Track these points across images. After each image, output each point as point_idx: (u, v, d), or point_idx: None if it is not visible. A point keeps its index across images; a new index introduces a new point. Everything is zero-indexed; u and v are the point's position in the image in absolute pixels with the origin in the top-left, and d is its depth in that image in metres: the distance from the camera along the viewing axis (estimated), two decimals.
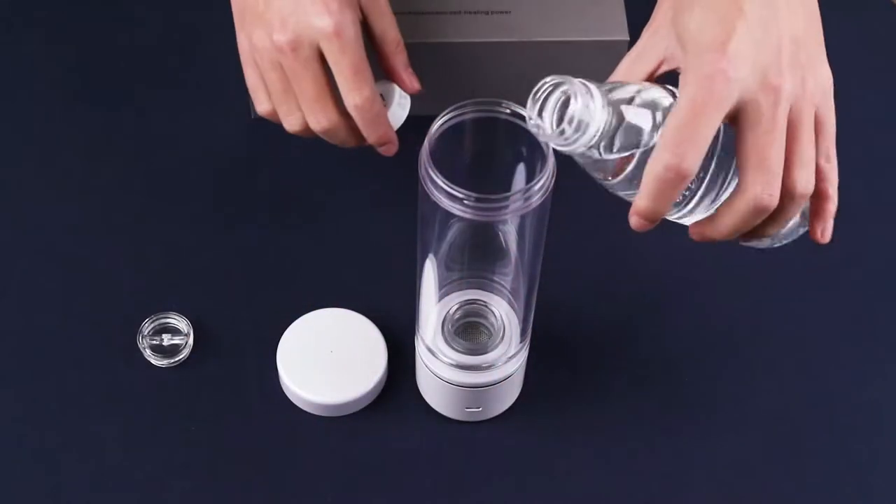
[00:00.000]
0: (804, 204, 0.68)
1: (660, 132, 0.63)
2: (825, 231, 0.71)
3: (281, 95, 0.78)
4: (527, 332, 0.78)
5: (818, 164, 0.67)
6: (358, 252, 0.89)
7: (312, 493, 0.79)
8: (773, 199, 0.65)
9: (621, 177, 0.65)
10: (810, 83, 0.66)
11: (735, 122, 0.64)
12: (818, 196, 0.69)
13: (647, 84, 0.66)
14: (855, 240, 0.90)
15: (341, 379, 0.81)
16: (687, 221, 0.69)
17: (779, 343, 0.86)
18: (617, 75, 0.69)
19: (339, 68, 0.76)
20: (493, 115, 0.67)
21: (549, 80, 0.64)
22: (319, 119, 0.78)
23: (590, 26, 0.88)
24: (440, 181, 0.65)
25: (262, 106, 0.80)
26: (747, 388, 0.84)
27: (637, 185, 0.64)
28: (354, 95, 0.77)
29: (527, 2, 0.89)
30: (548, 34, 0.88)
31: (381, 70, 0.81)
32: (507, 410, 0.82)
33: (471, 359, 0.77)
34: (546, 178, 0.66)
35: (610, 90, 0.63)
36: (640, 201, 0.64)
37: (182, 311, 0.85)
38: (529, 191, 0.65)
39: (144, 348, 0.83)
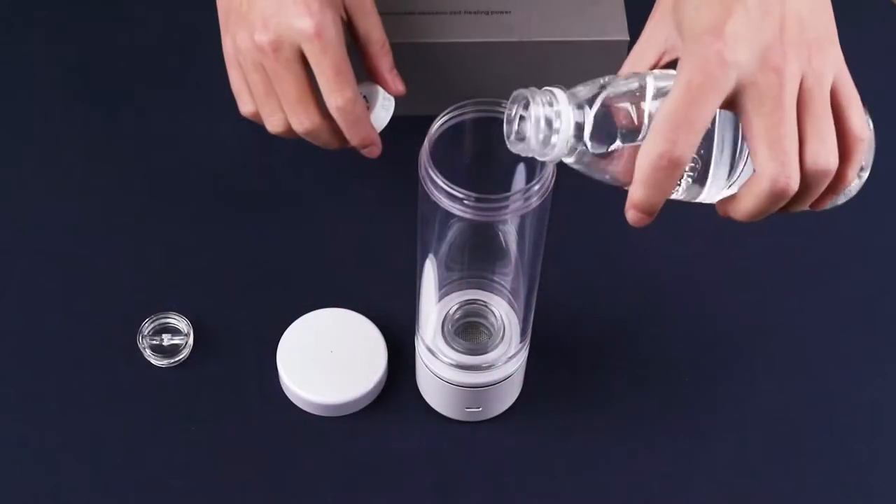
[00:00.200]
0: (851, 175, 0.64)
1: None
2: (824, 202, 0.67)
3: (263, 96, 0.78)
4: (527, 332, 0.78)
5: (848, 138, 0.64)
6: (358, 252, 0.89)
7: (312, 493, 0.79)
8: (790, 179, 0.61)
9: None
10: (818, 60, 0.63)
11: (738, 108, 0.62)
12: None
13: (649, 72, 0.65)
14: (855, 239, 0.90)
15: (341, 379, 0.81)
16: (707, 200, 0.67)
17: (779, 343, 0.86)
18: (623, 70, 0.69)
19: (321, 69, 0.76)
20: (493, 115, 0.67)
21: (512, 102, 0.64)
22: (301, 120, 0.78)
23: (590, 26, 0.88)
24: (440, 181, 0.65)
25: (245, 107, 0.81)
26: (747, 388, 0.84)
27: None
28: (336, 97, 0.77)
29: (527, 2, 0.89)
30: (548, 34, 0.88)
31: (364, 71, 0.81)
32: (507, 410, 0.82)
33: (471, 359, 0.77)
34: (546, 178, 0.66)
35: (603, 86, 0.63)
36: (635, 192, 0.62)
37: (182, 311, 0.85)
38: (529, 191, 0.65)
39: (144, 348, 0.83)
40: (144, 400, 0.82)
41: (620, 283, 0.88)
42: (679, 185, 0.65)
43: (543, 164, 0.66)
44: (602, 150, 0.63)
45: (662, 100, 0.62)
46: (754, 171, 0.62)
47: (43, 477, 0.79)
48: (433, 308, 0.78)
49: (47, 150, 0.93)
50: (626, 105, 0.63)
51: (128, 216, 0.90)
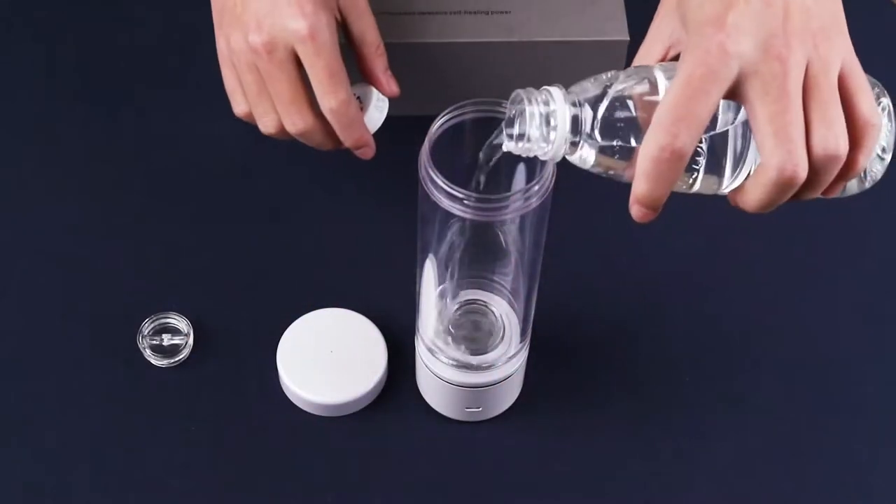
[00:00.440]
0: (862, 160, 0.63)
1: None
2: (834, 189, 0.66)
3: (257, 97, 0.78)
4: (527, 332, 0.78)
5: (857, 124, 0.63)
6: (358, 252, 0.89)
7: (312, 493, 0.79)
8: (798, 167, 0.60)
9: None
10: (824, 47, 0.62)
11: (743, 98, 0.61)
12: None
13: (656, 65, 0.65)
14: (855, 239, 0.90)
15: (341, 379, 0.81)
16: (715, 192, 0.66)
17: (779, 343, 0.86)
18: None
19: (314, 71, 0.76)
20: (493, 115, 0.67)
21: (511, 103, 0.64)
22: (295, 121, 0.78)
23: (590, 26, 0.88)
24: (440, 181, 0.65)
25: (238, 107, 0.81)
26: (747, 388, 0.84)
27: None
28: (329, 99, 0.77)
29: (527, 2, 0.89)
30: (548, 34, 0.88)
31: (359, 72, 0.81)
32: (507, 410, 0.82)
33: (471, 359, 0.77)
34: (546, 178, 0.66)
35: (608, 81, 0.63)
36: (637, 186, 0.61)
37: (182, 311, 0.85)
38: (529, 191, 0.65)
39: (144, 348, 0.83)
40: (144, 400, 0.82)
41: (620, 283, 0.88)
42: (684, 177, 0.65)
43: (543, 164, 0.66)
44: (612, 145, 0.63)
45: None
46: (761, 160, 0.62)
47: (43, 477, 0.79)
48: (433, 308, 0.78)
49: (47, 150, 0.93)
50: (636, 99, 0.63)
51: (128, 216, 0.90)
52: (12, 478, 0.79)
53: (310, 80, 0.77)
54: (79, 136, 0.94)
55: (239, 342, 0.85)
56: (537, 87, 0.64)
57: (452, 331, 0.79)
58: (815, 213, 0.88)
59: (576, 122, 0.63)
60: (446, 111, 0.67)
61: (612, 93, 0.63)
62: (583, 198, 0.85)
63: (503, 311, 0.79)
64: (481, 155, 0.67)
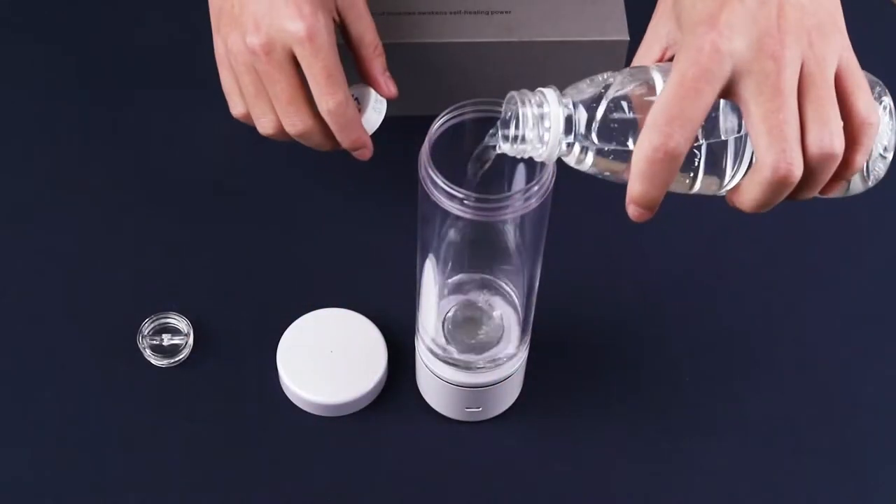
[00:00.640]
0: (860, 159, 0.63)
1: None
2: (835, 188, 0.66)
3: (254, 98, 0.78)
4: (527, 332, 0.78)
5: (854, 122, 0.63)
6: (358, 252, 0.89)
7: (312, 493, 0.79)
8: (792, 166, 0.60)
9: None
10: (820, 45, 0.62)
11: (737, 97, 0.61)
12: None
13: (653, 65, 0.65)
14: (855, 239, 0.90)
15: (341, 379, 0.81)
16: (712, 192, 0.66)
17: (779, 343, 0.86)
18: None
19: (312, 72, 0.76)
20: (493, 115, 0.67)
21: (506, 104, 0.64)
22: (294, 122, 0.78)
23: (590, 26, 0.88)
24: (440, 181, 0.65)
25: (236, 108, 0.81)
26: (747, 388, 0.84)
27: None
28: (327, 100, 0.77)
29: (527, 2, 0.89)
30: (548, 34, 0.88)
31: (357, 73, 0.81)
32: (507, 410, 0.82)
33: (471, 359, 0.77)
34: (546, 178, 0.66)
35: (606, 82, 0.63)
36: (633, 186, 0.62)
37: (182, 311, 0.85)
38: (529, 191, 0.65)
39: (144, 348, 0.83)
40: (144, 400, 0.82)
41: (620, 283, 0.88)
42: (683, 178, 0.65)
43: (543, 164, 0.66)
44: (609, 147, 0.63)
45: None
46: (756, 159, 0.62)
47: (43, 477, 0.79)
48: (433, 308, 0.78)
49: (47, 150, 0.93)
50: (633, 100, 0.63)
51: (128, 216, 0.90)
52: (12, 478, 0.79)
53: (308, 81, 0.77)
54: (79, 136, 0.94)
55: (239, 342, 0.85)
56: (537, 87, 0.64)
57: (452, 331, 0.79)
58: (815, 213, 0.88)
59: (569, 124, 0.63)
60: (446, 111, 0.67)
61: (608, 94, 0.63)
62: (583, 198, 0.85)
63: (503, 311, 0.79)
64: (474, 156, 0.67)
